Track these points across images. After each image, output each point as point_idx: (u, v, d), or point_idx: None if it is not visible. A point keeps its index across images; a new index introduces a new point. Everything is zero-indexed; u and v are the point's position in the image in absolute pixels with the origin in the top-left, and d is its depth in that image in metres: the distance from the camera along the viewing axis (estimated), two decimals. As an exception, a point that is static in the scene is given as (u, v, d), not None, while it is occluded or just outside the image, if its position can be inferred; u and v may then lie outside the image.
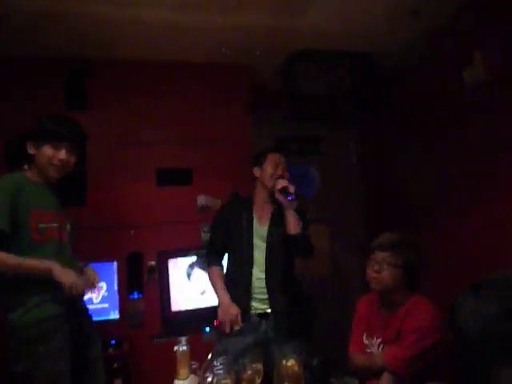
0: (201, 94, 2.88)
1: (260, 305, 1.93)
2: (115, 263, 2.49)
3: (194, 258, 2.57)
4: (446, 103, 2.57)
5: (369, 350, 1.70)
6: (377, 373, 1.61)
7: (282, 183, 1.93)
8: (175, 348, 1.32)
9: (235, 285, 1.95)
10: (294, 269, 2.06)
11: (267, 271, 1.94)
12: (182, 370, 1.29)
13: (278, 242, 1.97)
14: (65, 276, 1.56)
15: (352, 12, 2.43)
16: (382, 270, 1.64)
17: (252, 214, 2.03)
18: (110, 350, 2.27)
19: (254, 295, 1.93)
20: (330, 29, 2.58)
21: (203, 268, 2.54)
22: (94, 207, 2.52)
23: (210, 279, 2.01)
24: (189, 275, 2.56)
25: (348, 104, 3.38)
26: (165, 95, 2.80)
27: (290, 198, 1.90)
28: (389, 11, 2.43)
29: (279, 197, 1.93)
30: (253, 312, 1.91)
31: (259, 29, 2.55)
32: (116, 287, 2.46)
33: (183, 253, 2.59)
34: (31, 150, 1.68)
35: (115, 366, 1.49)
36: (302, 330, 1.97)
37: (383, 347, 1.64)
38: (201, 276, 2.55)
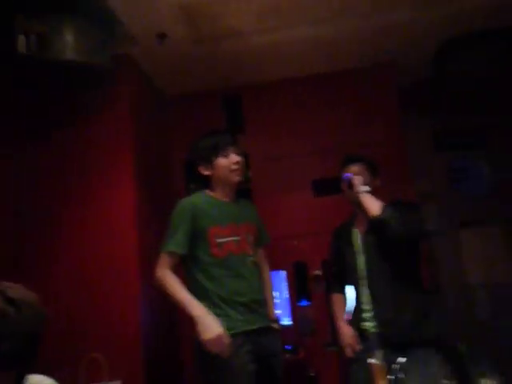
0: (349, 101, 2.89)
1: (371, 323, 1.78)
2: (284, 272, 2.64)
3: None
4: None
5: None
6: None
7: (345, 182, 1.89)
8: (371, 360, 1.33)
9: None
10: (407, 275, 1.82)
11: (369, 283, 1.81)
12: (381, 382, 1.29)
13: (376, 247, 1.81)
14: (206, 332, 1.51)
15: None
16: None
17: (353, 227, 1.94)
18: (287, 356, 2.40)
19: (365, 314, 1.81)
20: (481, 6, 2.32)
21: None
22: (261, 221, 2.73)
23: (331, 306, 2.08)
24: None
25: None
26: (314, 107, 2.89)
27: (346, 176, 1.86)
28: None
29: (351, 193, 1.86)
30: (367, 333, 1.78)
31: (408, 25, 2.45)
32: (286, 295, 2.60)
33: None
34: (206, 171, 1.78)
35: (312, 374, 1.54)
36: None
37: None
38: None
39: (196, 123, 2.90)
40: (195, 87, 2.92)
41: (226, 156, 1.78)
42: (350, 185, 1.86)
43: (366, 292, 1.83)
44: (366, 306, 1.81)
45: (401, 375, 1.48)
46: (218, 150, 1.78)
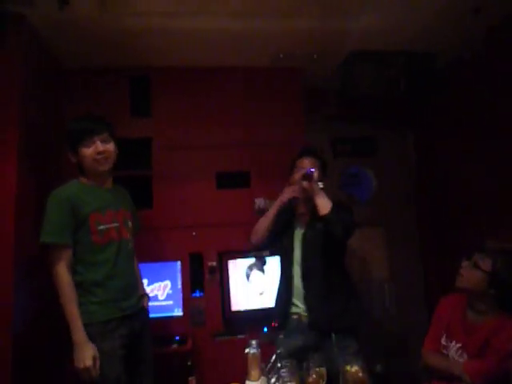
0: (257, 98, 2.94)
1: (300, 307, 1.98)
2: (179, 263, 2.61)
3: (252, 260, 2.64)
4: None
5: (445, 352, 1.67)
6: (448, 377, 1.58)
7: (302, 172, 1.94)
8: (246, 350, 1.37)
9: (282, 289, 2.09)
10: (337, 268, 2.03)
11: (303, 273, 1.98)
12: (254, 372, 1.34)
13: (314, 243, 1.98)
14: (81, 359, 1.55)
15: (408, 11, 2.37)
16: (467, 268, 1.64)
17: (294, 219, 2.10)
18: (175, 346, 2.39)
19: (295, 299, 2.00)
20: (386, 29, 2.53)
21: (261, 269, 2.63)
22: (159, 209, 2.66)
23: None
24: (248, 276, 2.63)
25: (404, 104, 3.31)
26: (224, 100, 2.89)
27: (310, 170, 1.90)
28: (448, 10, 2.35)
29: (304, 185, 1.92)
30: (295, 316, 1.98)
31: (315, 32, 2.55)
32: (179, 286, 2.58)
33: (242, 254, 2.65)
34: (73, 159, 1.76)
35: (189, 363, 1.55)
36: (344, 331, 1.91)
37: (461, 353, 1.60)
38: (259, 277, 2.62)
39: (98, 102, 2.71)
40: (100, 63, 2.71)
41: (88, 146, 1.72)
42: (309, 178, 1.90)
43: (298, 280, 1.98)
44: (297, 294, 1.98)
45: (277, 365, 1.56)
46: (81, 139, 1.72)
